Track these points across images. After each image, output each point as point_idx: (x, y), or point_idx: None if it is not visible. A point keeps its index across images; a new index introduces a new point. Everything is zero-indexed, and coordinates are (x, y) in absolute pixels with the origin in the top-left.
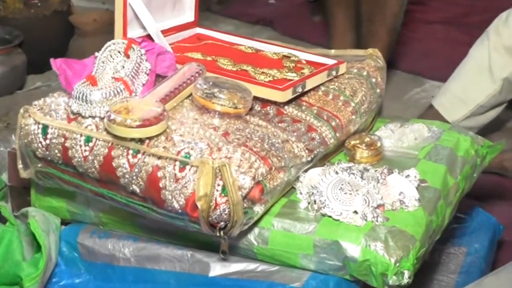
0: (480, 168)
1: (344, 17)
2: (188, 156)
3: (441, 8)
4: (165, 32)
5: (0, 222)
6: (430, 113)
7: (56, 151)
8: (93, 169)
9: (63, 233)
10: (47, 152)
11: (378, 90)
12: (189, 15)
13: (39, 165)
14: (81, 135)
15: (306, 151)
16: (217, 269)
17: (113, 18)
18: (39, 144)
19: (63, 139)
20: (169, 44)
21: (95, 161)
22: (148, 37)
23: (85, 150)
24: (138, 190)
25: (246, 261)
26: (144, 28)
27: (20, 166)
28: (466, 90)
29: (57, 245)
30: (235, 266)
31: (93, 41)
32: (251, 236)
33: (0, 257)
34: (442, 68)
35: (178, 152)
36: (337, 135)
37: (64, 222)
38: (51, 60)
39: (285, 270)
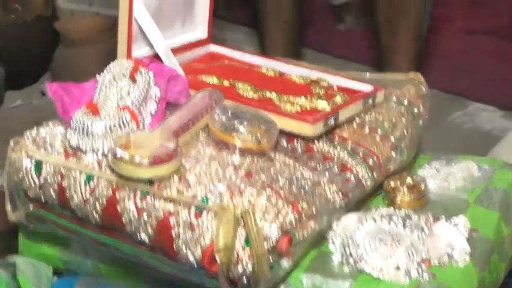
0: None
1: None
2: (205, 200)
3: (487, 15)
4: (175, 51)
5: None
6: None
7: (51, 191)
8: (94, 213)
9: (55, 285)
10: (41, 192)
11: (421, 122)
12: (201, 31)
13: (31, 206)
14: (80, 174)
15: (340, 195)
16: None
17: (105, 24)
18: (32, 183)
19: (59, 177)
20: (180, 65)
21: (97, 204)
22: (156, 56)
23: (85, 191)
24: (146, 239)
25: None
26: (150, 46)
27: (8, 208)
28: None
29: None
30: None
31: (82, 51)
32: None
33: None
34: (488, 87)
35: (194, 196)
36: (375, 175)
37: (56, 272)
38: (46, 84)
39: None
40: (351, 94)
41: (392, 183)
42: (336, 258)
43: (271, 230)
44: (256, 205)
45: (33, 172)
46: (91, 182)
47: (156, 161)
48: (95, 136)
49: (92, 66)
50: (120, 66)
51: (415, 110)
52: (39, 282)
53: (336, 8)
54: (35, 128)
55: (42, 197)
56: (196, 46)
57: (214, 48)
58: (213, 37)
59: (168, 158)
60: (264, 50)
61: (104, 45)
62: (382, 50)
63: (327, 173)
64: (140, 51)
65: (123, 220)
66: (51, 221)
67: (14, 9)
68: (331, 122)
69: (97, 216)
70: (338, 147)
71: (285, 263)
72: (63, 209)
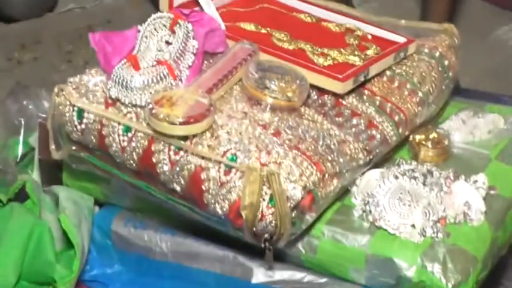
0: None
1: None
2: (234, 158)
3: None
4: None
5: (20, 199)
6: None
7: (92, 137)
8: (131, 161)
9: (96, 217)
10: (82, 137)
11: (451, 74)
12: None
13: (73, 148)
14: (119, 124)
15: (364, 152)
16: (260, 275)
17: None
18: (74, 128)
19: (99, 126)
20: (220, 7)
21: (134, 153)
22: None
23: (123, 141)
24: (179, 189)
25: (293, 270)
26: None
27: (52, 147)
28: None
29: (89, 232)
30: (280, 274)
31: None
32: (299, 244)
33: (31, 253)
34: None
35: (224, 153)
36: (401, 131)
37: (98, 203)
38: (90, 34)
39: (333, 283)
40: (384, 45)
41: (417, 138)
42: (357, 213)
43: (295, 191)
44: (282, 166)
45: (75, 118)
46: (129, 133)
47: (189, 119)
48: (133, 90)
49: None
50: (160, 18)
51: (446, 63)
52: (79, 219)
53: None
54: (78, 76)
55: (83, 141)
56: None
57: None
58: None
59: (201, 117)
60: None
61: None
62: None
63: (353, 130)
64: None
65: (157, 170)
66: (91, 163)
67: None
68: (361, 78)
69: (133, 164)
70: (366, 103)
71: (307, 218)
72: (103, 154)
